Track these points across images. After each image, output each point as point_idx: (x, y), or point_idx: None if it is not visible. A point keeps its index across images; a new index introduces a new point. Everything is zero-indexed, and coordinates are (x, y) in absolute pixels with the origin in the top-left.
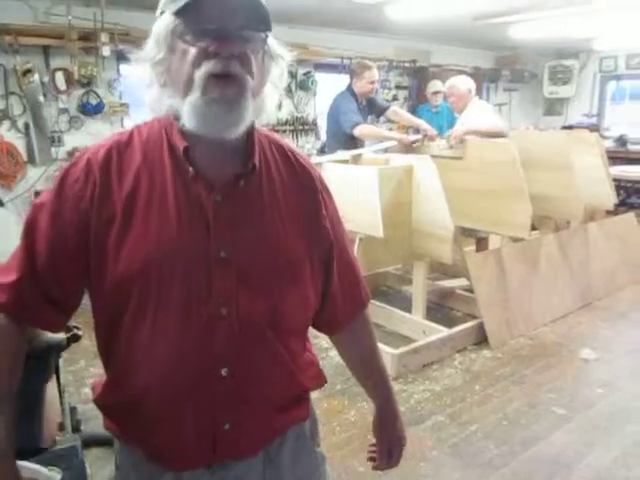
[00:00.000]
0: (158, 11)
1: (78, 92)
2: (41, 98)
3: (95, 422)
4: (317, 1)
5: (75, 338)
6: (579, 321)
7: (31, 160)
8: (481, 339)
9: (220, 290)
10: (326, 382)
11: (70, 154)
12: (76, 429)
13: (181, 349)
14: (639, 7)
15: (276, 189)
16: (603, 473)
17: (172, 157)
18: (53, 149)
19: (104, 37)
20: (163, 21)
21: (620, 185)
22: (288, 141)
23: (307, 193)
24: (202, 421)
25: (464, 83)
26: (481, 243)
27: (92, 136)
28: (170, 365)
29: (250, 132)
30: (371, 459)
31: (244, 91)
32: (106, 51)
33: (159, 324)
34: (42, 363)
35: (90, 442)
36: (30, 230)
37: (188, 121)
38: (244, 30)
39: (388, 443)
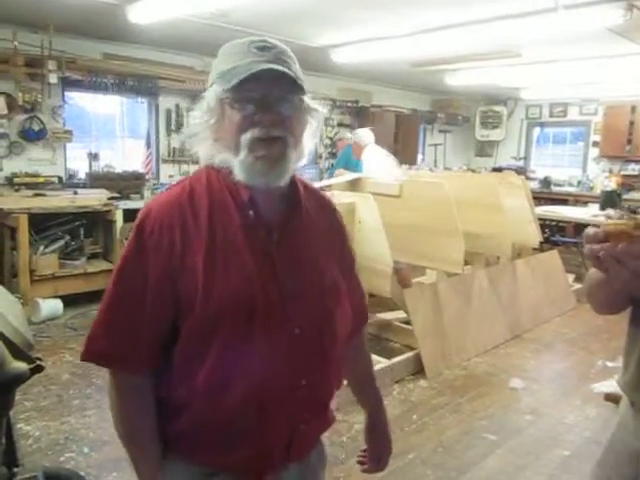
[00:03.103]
0: (209, 82)
1: (20, 117)
2: None
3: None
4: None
5: (38, 369)
6: (509, 352)
7: None
8: (418, 369)
9: (292, 315)
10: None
11: (9, 180)
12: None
13: (272, 364)
14: (561, 62)
15: (314, 226)
16: None
17: (235, 202)
18: None
19: (51, 64)
20: (214, 91)
21: (545, 224)
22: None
23: (335, 228)
24: (285, 427)
25: (354, 134)
26: (400, 273)
27: (33, 162)
28: (263, 378)
29: (293, 178)
30: (360, 463)
31: (286, 148)
32: (53, 78)
33: (252, 346)
34: (6, 395)
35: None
36: (125, 281)
37: (239, 174)
38: (283, 98)
39: (378, 448)
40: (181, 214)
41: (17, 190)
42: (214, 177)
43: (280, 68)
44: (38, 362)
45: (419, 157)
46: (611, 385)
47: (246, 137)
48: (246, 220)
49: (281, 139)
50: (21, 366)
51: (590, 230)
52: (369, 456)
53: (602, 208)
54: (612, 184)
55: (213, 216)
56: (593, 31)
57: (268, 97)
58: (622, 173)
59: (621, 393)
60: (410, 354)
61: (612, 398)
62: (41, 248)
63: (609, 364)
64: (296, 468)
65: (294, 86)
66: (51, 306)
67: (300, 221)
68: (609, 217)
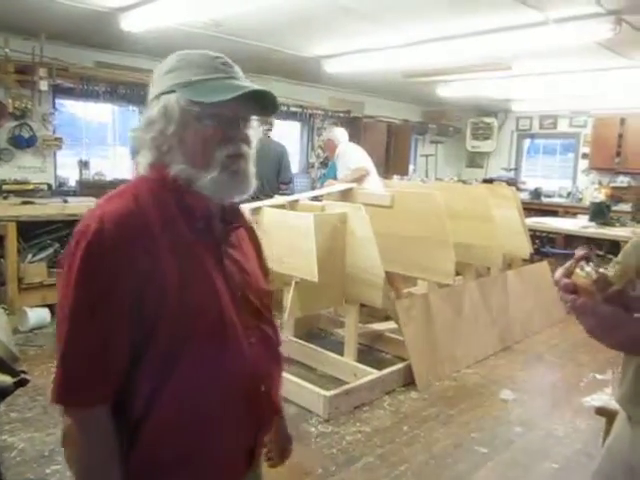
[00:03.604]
0: (163, 87)
1: (10, 124)
2: None
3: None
4: (257, 50)
5: (22, 382)
6: (499, 363)
7: None
8: (409, 381)
9: (246, 322)
10: None
11: None
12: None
13: (242, 374)
14: (552, 75)
15: (244, 237)
16: None
17: (185, 216)
18: None
19: (42, 72)
20: (175, 100)
21: (535, 235)
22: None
23: (255, 240)
24: (252, 434)
25: (328, 133)
26: (392, 277)
27: (22, 169)
28: (237, 389)
29: None
30: (269, 459)
31: (249, 164)
32: (44, 85)
33: (224, 359)
34: None
35: None
36: (86, 310)
37: (207, 189)
38: (249, 118)
39: (282, 442)
40: (137, 228)
41: (5, 198)
42: (157, 188)
43: (272, 94)
44: (23, 375)
45: (410, 167)
46: (601, 398)
47: (221, 154)
48: (199, 234)
49: (246, 156)
50: (5, 380)
51: (562, 280)
52: (275, 450)
53: (591, 220)
54: (601, 196)
55: (167, 230)
56: (583, 45)
57: (243, 116)
58: (611, 185)
59: (612, 407)
60: (401, 365)
61: (603, 412)
62: (29, 256)
63: (599, 377)
64: (250, 476)
65: (269, 105)
66: (39, 315)
67: (235, 234)
68: (581, 263)
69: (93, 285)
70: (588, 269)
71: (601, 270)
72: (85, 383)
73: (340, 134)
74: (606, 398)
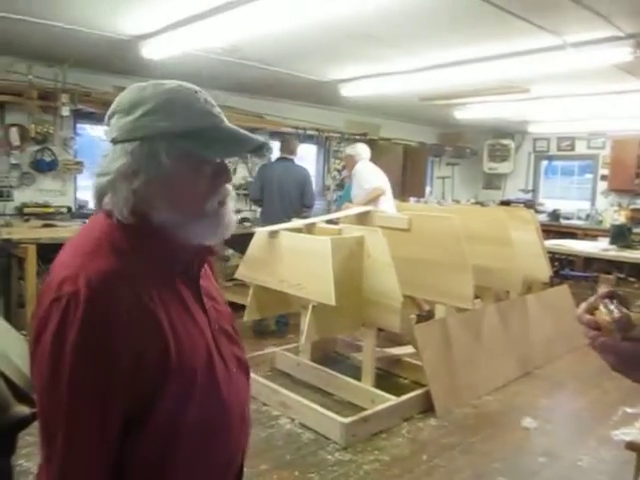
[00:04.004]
0: (148, 131)
1: (32, 148)
2: None
3: None
4: (276, 76)
5: None
6: (520, 390)
7: None
8: (427, 407)
9: (227, 354)
10: None
11: (19, 209)
12: None
13: (234, 407)
14: (569, 97)
15: (206, 270)
16: None
17: (167, 260)
18: (1, 203)
19: (64, 98)
20: (167, 148)
21: (554, 257)
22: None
23: (212, 274)
24: (240, 467)
25: (350, 148)
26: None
27: (43, 192)
28: (234, 423)
29: None
30: None
31: (233, 203)
32: (65, 111)
33: (219, 394)
34: (10, 439)
35: None
36: (89, 392)
37: (196, 236)
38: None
39: None
40: (128, 288)
41: (27, 220)
42: (131, 234)
43: (268, 145)
44: None
45: (427, 189)
46: (631, 432)
47: (213, 203)
48: (178, 275)
49: (231, 196)
50: (24, 410)
51: (584, 317)
52: None
53: (612, 242)
54: (621, 218)
55: (153, 279)
56: (601, 68)
57: (233, 157)
58: (631, 207)
59: None
60: (419, 391)
61: (634, 447)
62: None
63: (629, 410)
64: None
65: (266, 153)
66: None
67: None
68: (605, 301)
69: (94, 362)
70: (611, 307)
71: (624, 310)
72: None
73: (362, 150)
74: (636, 432)
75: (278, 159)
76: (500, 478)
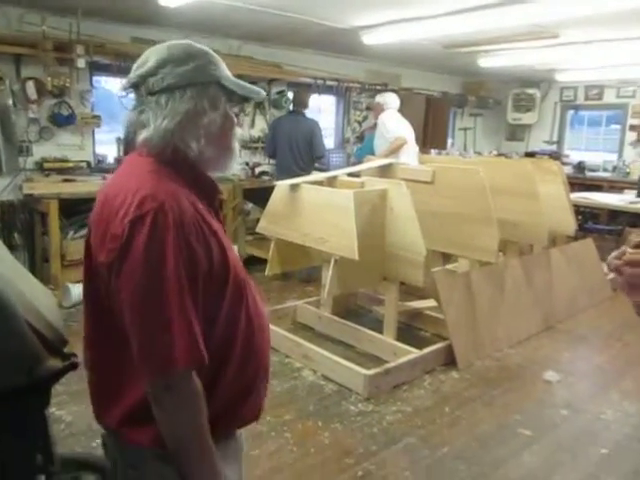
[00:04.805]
0: (193, 78)
1: (49, 102)
2: (10, 107)
3: None
4: (293, 22)
5: (73, 366)
6: (542, 343)
7: None
8: (449, 360)
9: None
10: None
11: (39, 165)
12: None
13: (263, 318)
14: (599, 43)
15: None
16: None
17: (198, 193)
18: (21, 159)
19: (80, 49)
20: (217, 91)
21: (578, 211)
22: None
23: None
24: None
25: (379, 96)
26: None
27: (62, 147)
28: (266, 330)
29: None
30: None
31: None
32: (81, 63)
33: (258, 307)
34: (44, 392)
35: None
36: (175, 281)
37: (222, 169)
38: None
39: None
40: (187, 202)
41: (47, 175)
42: (169, 168)
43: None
44: (73, 359)
45: (449, 141)
46: None
47: (235, 139)
48: (210, 203)
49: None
50: (57, 364)
51: (613, 262)
52: None
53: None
54: None
55: (196, 203)
56: (632, 10)
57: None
58: None
59: None
60: (441, 344)
61: None
62: (71, 233)
63: None
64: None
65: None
66: (81, 291)
67: None
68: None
69: (184, 255)
70: None
71: None
72: (194, 347)
73: (390, 100)
74: None
75: (289, 112)
76: (521, 430)
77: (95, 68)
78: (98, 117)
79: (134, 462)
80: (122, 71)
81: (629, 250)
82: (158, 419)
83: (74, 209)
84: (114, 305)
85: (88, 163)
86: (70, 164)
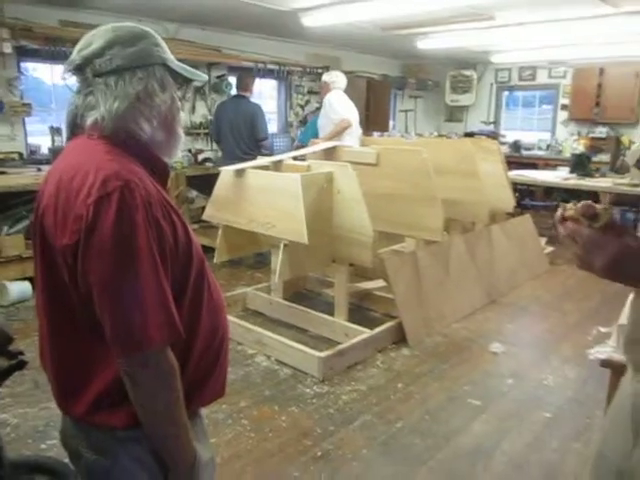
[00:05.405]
0: (141, 59)
1: None
2: None
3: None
4: (232, 5)
5: (20, 365)
6: (487, 317)
7: None
8: (400, 338)
9: None
10: None
11: None
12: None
13: (222, 298)
14: (532, 25)
15: None
16: (517, 459)
17: (153, 173)
18: None
19: (4, 32)
20: (164, 72)
21: (516, 188)
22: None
23: None
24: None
25: (326, 75)
26: None
27: None
28: (224, 311)
29: None
30: None
31: None
32: (7, 48)
33: (215, 284)
34: None
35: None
36: (148, 257)
37: (170, 153)
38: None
39: None
40: (149, 182)
41: None
42: (124, 149)
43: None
44: (20, 357)
45: (391, 123)
46: (605, 350)
47: (181, 122)
48: (163, 185)
49: None
50: (2, 364)
51: (557, 217)
52: None
53: (572, 171)
54: (581, 147)
55: (158, 188)
56: None
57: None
58: (590, 136)
59: (618, 359)
60: (391, 323)
61: (609, 364)
62: (5, 228)
63: (602, 329)
64: None
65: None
66: (20, 288)
67: None
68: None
69: (154, 232)
70: (579, 205)
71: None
72: (170, 321)
73: (337, 78)
74: (610, 350)
75: (233, 97)
76: (471, 400)
77: (23, 53)
78: (28, 105)
79: (106, 449)
80: (53, 56)
81: (568, 206)
82: (134, 398)
83: (7, 203)
84: (81, 289)
85: (20, 154)
86: (0, 156)
